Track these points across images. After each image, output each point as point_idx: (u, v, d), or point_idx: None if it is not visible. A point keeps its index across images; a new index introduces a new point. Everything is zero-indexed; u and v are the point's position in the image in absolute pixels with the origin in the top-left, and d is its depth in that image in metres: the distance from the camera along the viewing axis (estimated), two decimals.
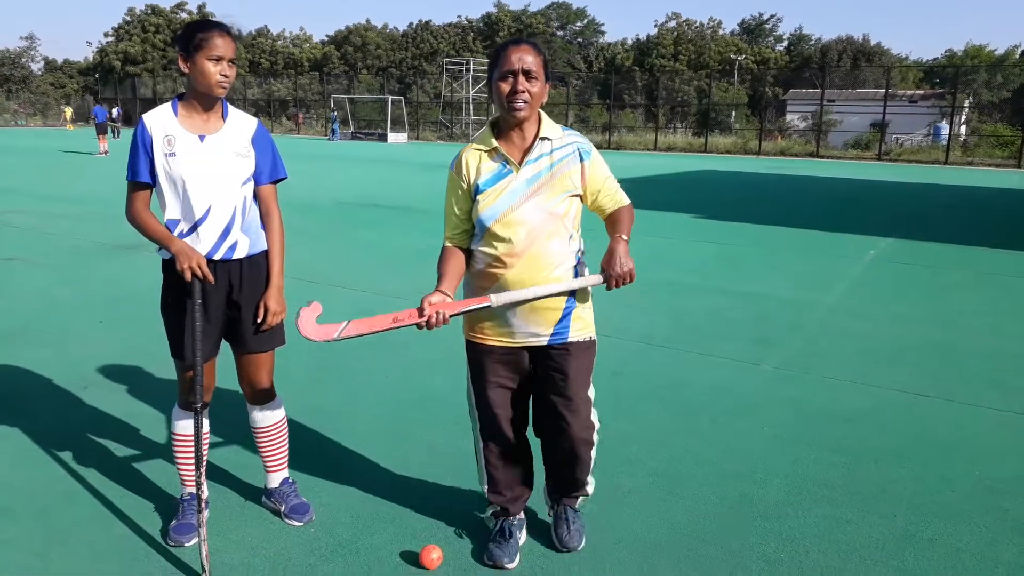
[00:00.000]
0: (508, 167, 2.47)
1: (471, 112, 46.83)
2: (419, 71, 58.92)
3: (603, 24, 79.14)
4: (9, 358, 4.75)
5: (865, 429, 3.94)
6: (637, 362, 4.90)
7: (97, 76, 62.72)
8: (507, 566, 2.64)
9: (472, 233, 2.55)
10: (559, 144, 2.50)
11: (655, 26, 66.40)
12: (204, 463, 2.65)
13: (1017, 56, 52.36)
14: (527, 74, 2.37)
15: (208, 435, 2.80)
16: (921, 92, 44.72)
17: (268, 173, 2.72)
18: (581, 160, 2.51)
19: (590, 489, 2.85)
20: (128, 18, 64.14)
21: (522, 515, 2.85)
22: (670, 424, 3.96)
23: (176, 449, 2.82)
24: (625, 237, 2.51)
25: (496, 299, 2.41)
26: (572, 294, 2.53)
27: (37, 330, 5.40)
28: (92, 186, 15.58)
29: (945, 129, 33.51)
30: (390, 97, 44.98)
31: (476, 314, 2.53)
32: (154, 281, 7.20)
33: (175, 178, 2.56)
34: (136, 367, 4.60)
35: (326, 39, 69.34)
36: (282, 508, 2.93)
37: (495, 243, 2.46)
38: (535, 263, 2.45)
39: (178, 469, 2.86)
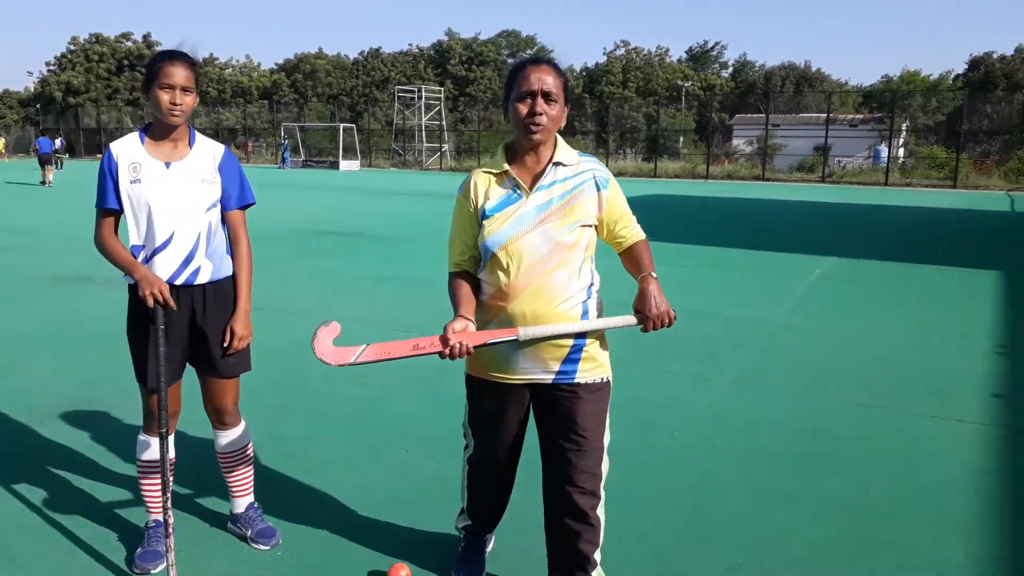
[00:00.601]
0: (518, 192, 2.34)
1: (424, 139, 46.99)
2: (370, 99, 58.99)
3: (553, 52, 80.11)
4: None
5: (814, 439, 4.09)
6: None
7: (38, 107, 61.38)
8: None
9: (479, 260, 2.41)
10: (574, 171, 2.36)
11: (604, 54, 67.57)
12: (170, 488, 2.66)
13: (950, 81, 54.57)
14: (546, 96, 2.25)
15: (173, 461, 2.81)
16: (861, 116, 46.31)
17: (236, 198, 2.76)
18: (598, 189, 2.37)
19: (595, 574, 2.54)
20: (72, 47, 63.00)
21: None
22: (627, 441, 4.04)
23: (141, 476, 2.82)
24: (654, 275, 2.39)
25: (524, 332, 2.26)
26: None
27: None
28: (37, 217, 15.25)
29: (884, 152, 34.71)
30: (341, 125, 44.93)
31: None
32: (103, 312, 7.08)
33: (140, 204, 2.60)
34: (90, 398, 4.54)
35: (275, 67, 69.09)
36: (248, 532, 2.94)
37: (498, 271, 2.31)
38: (538, 296, 2.29)
39: (143, 496, 2.85)
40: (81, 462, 3.68)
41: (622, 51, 64.43)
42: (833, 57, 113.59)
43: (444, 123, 47.98)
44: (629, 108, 51.17)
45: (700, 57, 67.84)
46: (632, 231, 2.47)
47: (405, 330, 6.31)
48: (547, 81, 2.24)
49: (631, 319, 2.33)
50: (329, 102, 58.13)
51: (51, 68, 63.35)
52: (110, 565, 2.79)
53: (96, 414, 4.32)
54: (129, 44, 62.99)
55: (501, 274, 2.31)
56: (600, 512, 2.46)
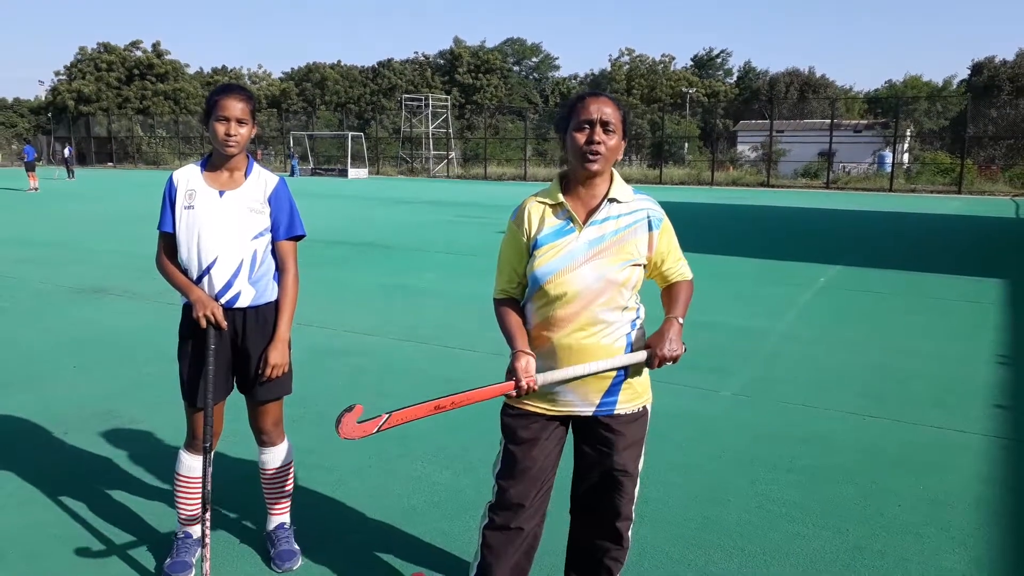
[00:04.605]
0: (571, 225, 2.33)
1: (431, 147, 47.19)
2: (378, 107, 59.26)
3: (557, 59, 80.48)
4: None
5: (818, 449, 4.19)
6: None
7: (50, 115, 61.80)
8: None
9: (526, 288, 2.43)
10: (628, 209, 2.36)
11: (608, 61, 67.77)
12: (209, 501, 2.77)
13: (954, 86, 54.55)
14: (605, 126, 2.25)
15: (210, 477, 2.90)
16: (865, 122, 46.30)
17: (284, 229, 2.88)
18: (650, 229, 2.38)
19: None
20: (80, 56, 63.42)
21: None
22: None
23: (179, 490, 2.92)
24: (680, 320, 2.43)
25: (543, 378, 2.30)
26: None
27: (11, 376, 5.42)
28: (52, 228, 15.42)
29: (889, 157, 34.72)
30: (350, 133, 45.16)
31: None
32: (121, 324, 7.18)
33: (189, 229, 2.76)
34: (113, 410, 4.66)
35: (282, 76, 69.48)
36: (271, 551, 3.04)
37: (546, 303, 2.34)
38: (585, 329, 2.32)
39: (179, 509, 2.96)
40: (107, 473, 3.80)
41: (626, 58, 64.60)
42: (837, 63, 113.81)
43: (451, 131, 48.21)
44: (634, 115, 51.26)
45: (705, 64, 67.96)
46: (678, 270, 2.51)
47: (416, 341, 6.42)
48: (606, 111, 2.25)
49: (641, 355, 2.40)
50: (337, 110, 58.44)
51: (61, 77, 63.79)
52: (143, 570, 2.91)
53: (119, 425, 4.43)
54: (138, 53, 63.36)
55: (549, 306, 2.33)
56: (631, 533, 2.55)
